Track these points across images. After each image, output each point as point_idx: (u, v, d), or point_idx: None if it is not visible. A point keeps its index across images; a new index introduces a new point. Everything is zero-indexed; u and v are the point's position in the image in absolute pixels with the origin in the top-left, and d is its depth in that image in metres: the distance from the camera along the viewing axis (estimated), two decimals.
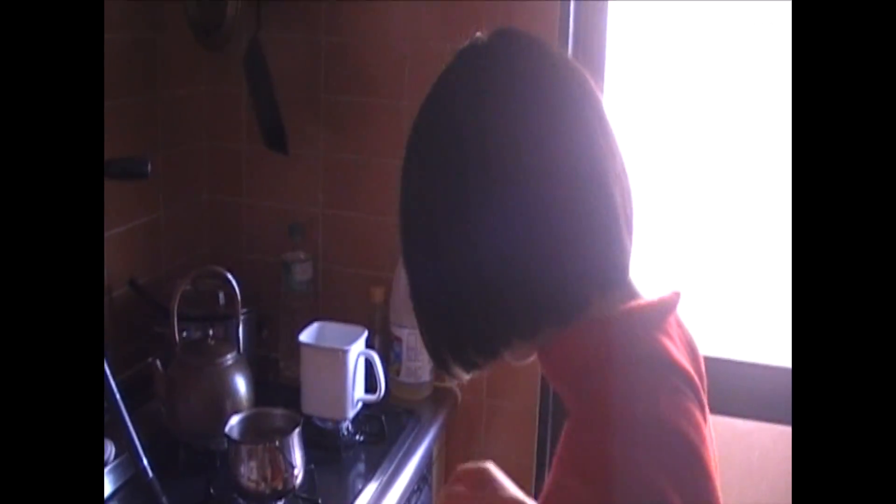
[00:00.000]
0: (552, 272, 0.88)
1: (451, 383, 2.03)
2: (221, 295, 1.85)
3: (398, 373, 1.96)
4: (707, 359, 1.83)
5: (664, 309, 0.93)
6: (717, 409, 1.91)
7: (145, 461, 1.39)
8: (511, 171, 0.87)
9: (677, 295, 0.94)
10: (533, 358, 0.99)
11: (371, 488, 1.63)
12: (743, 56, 1.90)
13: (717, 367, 1.94)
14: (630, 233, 0.93)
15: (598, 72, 1.87)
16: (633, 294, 0.93)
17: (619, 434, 0.82)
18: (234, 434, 1.54)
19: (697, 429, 0.86)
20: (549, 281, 0.88)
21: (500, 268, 0.88)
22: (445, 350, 0.96)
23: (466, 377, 0.99)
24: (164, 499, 1.38)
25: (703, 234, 2.00)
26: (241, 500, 1.51)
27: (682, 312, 0.97)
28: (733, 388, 1.90)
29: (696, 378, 0.91)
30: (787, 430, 1.95)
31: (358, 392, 1.79)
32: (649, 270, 0.98)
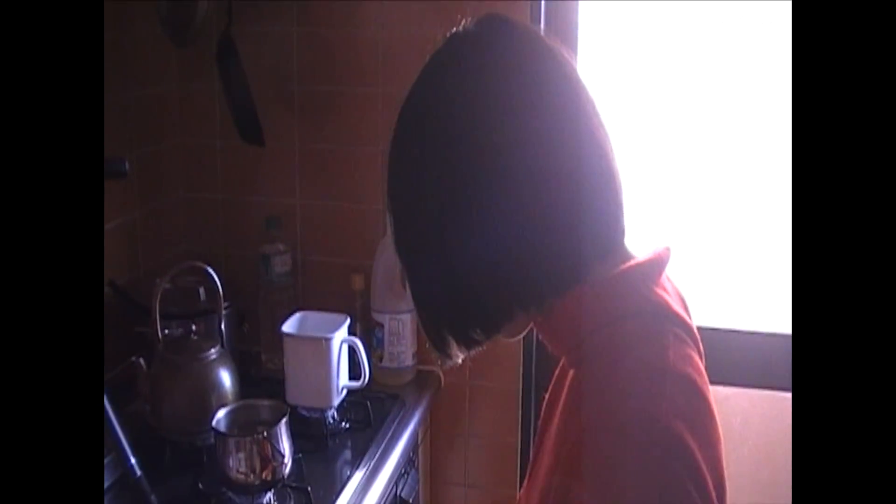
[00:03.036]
0: (553, 244, 0.91)
1: (434, 366, 2.05)
2: (202, 291, 1.86)
3: (381, 358, 1.98)
4: None
5: (659, 264, 0.97)
6: None
7: (133, 460, 1.41)
8: (507, 151, 0.90)
9: (668, 251, 0.98)
10: (526, 332, 1.02)
11: (359, 474, 1.66)
12: (716, 45, 1.92)
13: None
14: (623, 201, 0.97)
15: None
16: (628, 257, 0.97)
17: (632, 384, 0.86)
18: (221, 427, 1.55)
19: (701, 375, 0.91)
20: (550, 252, 0.92)
21: (503, 245, 0.91)
22: (447, 332, 0.98)
23: (461, 357, 1.02)
24: (152, 497, 1.40)
25: (678, 202, 2.03)
26: (230, 494, 1.53)
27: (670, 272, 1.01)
28: (711, 355, 1.93)
29: (693, 327, 0.95)
30: (764, 394, 1.99)
31: (342, 379, 1.81)
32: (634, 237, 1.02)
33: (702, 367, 0.93)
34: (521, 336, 1.05)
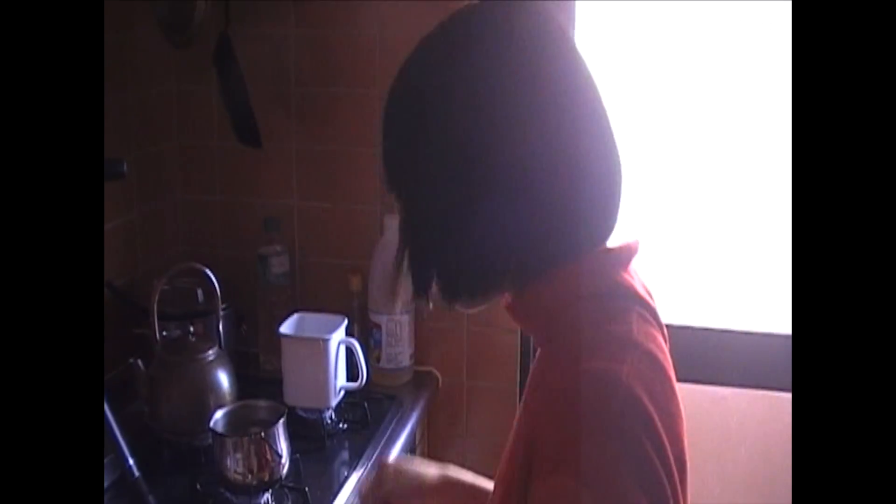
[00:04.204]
0: (555, 218, 0.93)
1: (431, 367, 2.06)
2: (200, 292, 1.86)
3: (378, 359, 1.98)
4: (681, 328, 1.85)
5: (628, 253, 0.99)
6: (693, 377, 1.96)
7: (131, 461, 1.41)
8: (516, 126, 0.91)
9: (638, 243, 1.00)
10: (484, 305, 1.02)
11: (356, 475, 1.66)
12: (719, 53, 1.93)
13: (692, 336, 1.97)
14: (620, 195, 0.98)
15: None
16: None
17: (596, 349, 0.89)
18: (219, 428, 1.56)
19: (663, 353, 0.94)
20: (550, 227, 0.93)
21: (508, 216, 0.92)
22: (435, 285, 0.99)
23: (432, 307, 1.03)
24: (150, 497, 1.40)
25: (678, 202, 2.03)
26: (227, 494, 1.53)
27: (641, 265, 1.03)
28: (708, 356, 1.94)
29: (657, 311, 0.99)
30: (762, 395, 1.99)
31: (340, 380, 1.81)
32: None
33: (665, 347, 0.97)
34: (479, 309, 1.03)
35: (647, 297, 0.98)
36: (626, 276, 0.98)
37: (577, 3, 1.92)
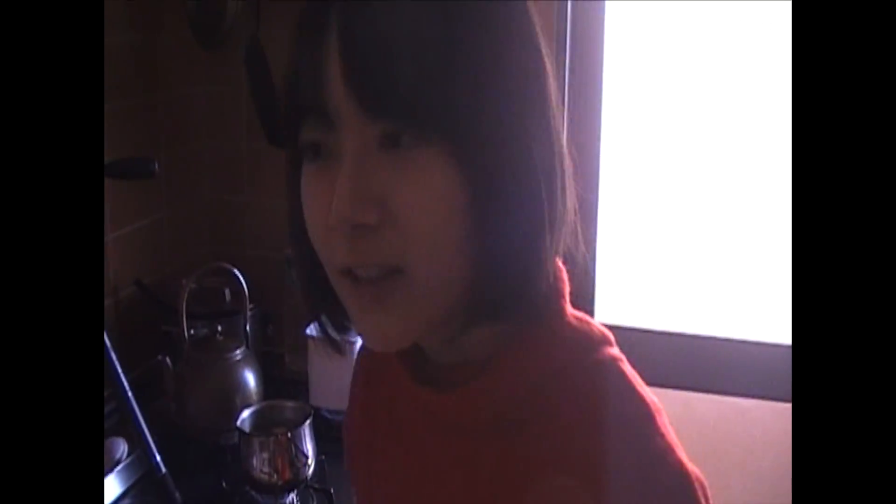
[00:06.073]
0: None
1: None
2: (227, 291, 1.87)
3: None
4: (705, 338, 1.84)
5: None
6: (717, 389, 1.94)
7: (158, 457, 1.42)
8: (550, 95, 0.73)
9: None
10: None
11: None
12: (741, 55, 1.91)
13: (715, 346, 1.97)
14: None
15: (596, 73, 1.89)
16: None
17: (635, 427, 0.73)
18: (246, 427, 1.56)
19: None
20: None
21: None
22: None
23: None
24: (177, 494, 1.41)
25: (699, 216, 2.02)
26: (253, 493, 1.54)
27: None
28: (732, 367, 1.93)
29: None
30: (786, 407, 1.98)
31: None
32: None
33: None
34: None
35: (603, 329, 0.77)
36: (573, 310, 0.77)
37: (606, 3, 1.91)
